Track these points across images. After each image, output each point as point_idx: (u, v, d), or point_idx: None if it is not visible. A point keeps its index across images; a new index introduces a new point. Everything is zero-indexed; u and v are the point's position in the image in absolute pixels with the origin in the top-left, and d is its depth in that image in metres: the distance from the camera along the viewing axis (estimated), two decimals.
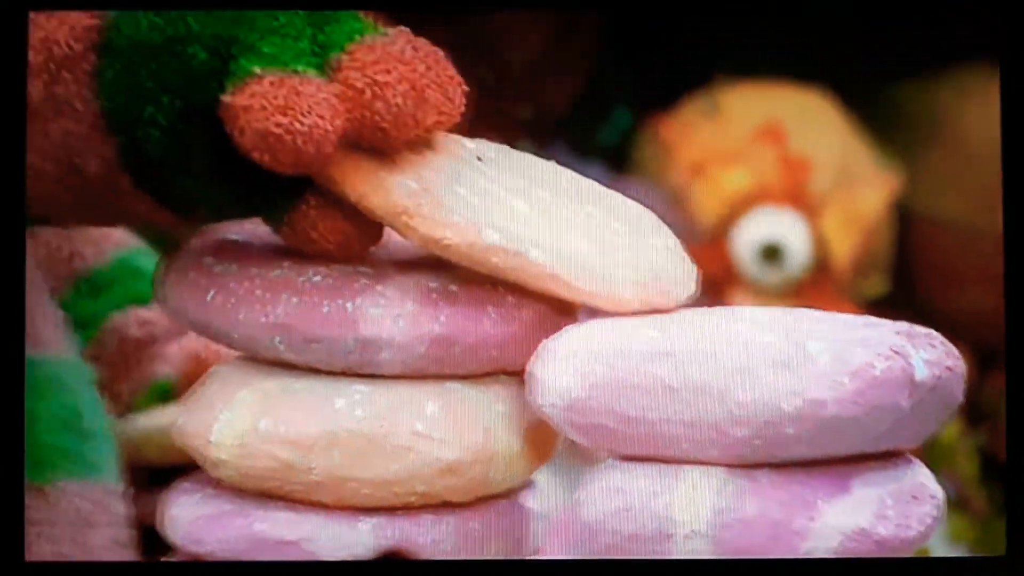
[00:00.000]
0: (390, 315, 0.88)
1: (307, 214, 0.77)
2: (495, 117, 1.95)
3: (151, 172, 0.81)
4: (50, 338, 1.01)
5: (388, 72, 0.78)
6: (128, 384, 1.10)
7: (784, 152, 2.02)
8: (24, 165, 0.91)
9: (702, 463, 0.87)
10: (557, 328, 0.89)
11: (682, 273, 0.92)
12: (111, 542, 0.97)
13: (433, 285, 0.87)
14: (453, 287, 0.88)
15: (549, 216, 0.93)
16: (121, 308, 1.13)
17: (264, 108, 0.73)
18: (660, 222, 0.93)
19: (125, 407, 1.06)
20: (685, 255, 0.94)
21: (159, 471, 1.02)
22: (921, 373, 0.89)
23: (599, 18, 2.19)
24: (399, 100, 0.79)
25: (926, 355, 0.88)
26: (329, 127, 0.74)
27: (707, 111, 2.11)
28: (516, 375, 0.88)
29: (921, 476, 0.90)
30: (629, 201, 0.95)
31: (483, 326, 0.90)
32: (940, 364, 0.90)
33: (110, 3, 0.89)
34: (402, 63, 0.79)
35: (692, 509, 0.88)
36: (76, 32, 0.78)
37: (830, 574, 0.92)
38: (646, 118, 2.12)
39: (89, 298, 1.13)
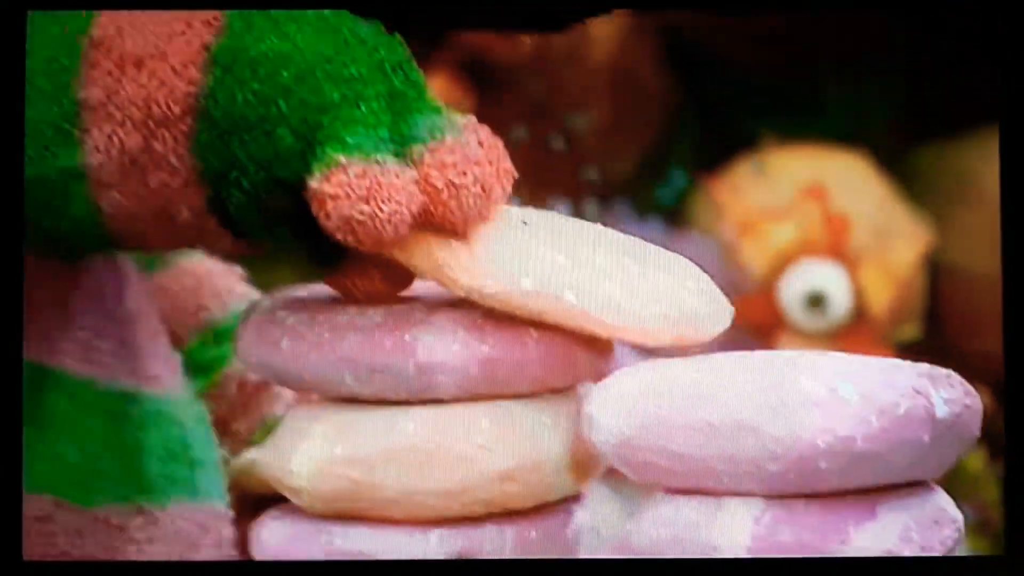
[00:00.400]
0: (443, 342, 0.99)
1: (348, 272, 0.87)
2: (565, 178, 2.07)
3: (233, 218, 0.89)
4: (165, 378, 1.10)
5: (464, 175, 0.84)
6: (245, 422, 1.19)
7: (826, 210, 2.10)
8: (23, 166, 0.96)
9: (741, 495, 0.97)
10: (594, 350, 1.02)
11: (713, 311, 1.01)
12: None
13: (480, 314, 0.97)
14: (498, 315, 0.97)
15: (585, 265, 1.01)
16: None
17: (349, 196, 0.79)
18: (696, 268, 1.03)
19: (242, 443, 1.15)
20: (720, 296, 1.02)
21: (267, 499, 1.10)
22: (941, 411, 0.98)
23: (659, 89, 2.29)
24: (471, 200, 0.85)
25: (945, 394, 0.98)
26: (406, 213, 0.80)
27: (755, 172, 2.19)
28: (559, 392, 1.00)
29: (942, 502, 1.01)
30: (666, 251, 1.04)
31: (527, 347, 1.00)
32: (959, 402, 0.99)
33: (111, 4, 0.97)
34: (476, 164, 0.85)
35: (733, 537, 0.98)
36: (175, 95, 0.83)
37: (832, 574, 1.01)
38: (700, 179, 2.21)
39: (213, 346, 1.22)
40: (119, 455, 1.05)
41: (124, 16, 0.89)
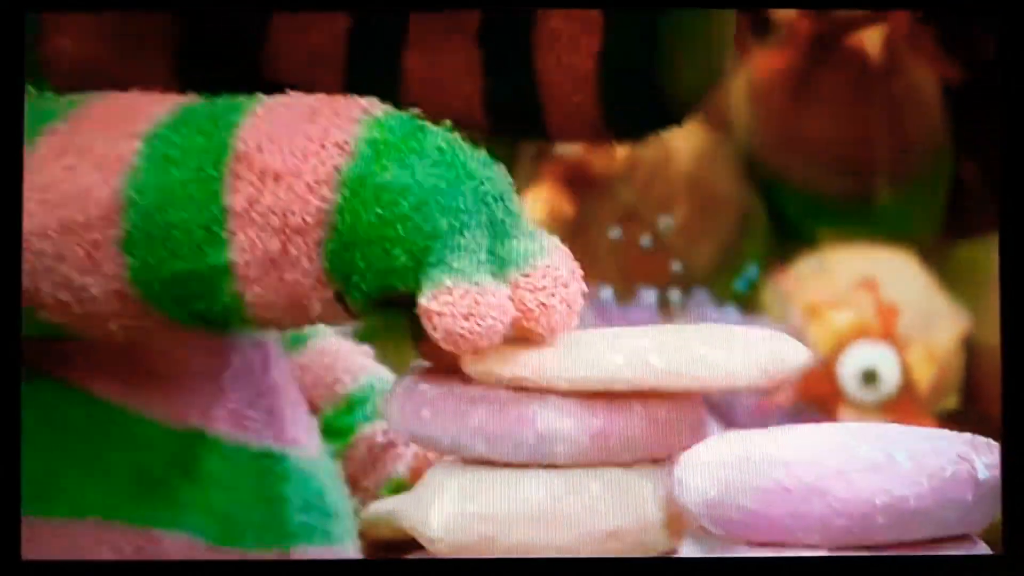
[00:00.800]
0: (559, 415, 1.03)
1: (428, 348, 0.90)
2: (653, 270, 2.27)
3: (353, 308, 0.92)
4: (305, 440, 1.17)
5: (552, 296, 0.89)
6: (373, 479, 1.25)
7: (878, 299, 2.24)
8: (21, 167, 0.98)
9: (809, 547, 1.01)
10: (690, 422, 1.05)
11: (793, 348, 1.03)
12: None
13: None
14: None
15: (666, 338, 1.05)
16: (369, 421, 1.29)
17: (452, 315, 0.84)
18: (759, 327, 1.10)
19: (371, 497, 1.22)
20: (794, 340, 1.05)
21: (391, 545, 1.19)
22: (983, 474, 1.04)
23: (734, 195, 2.49)
24: (558, 318, 0.90)
25: (986, 459, 1.03)
26: (500, 327, 0.84)
27: (817, 267, 2.37)
28: (658, 461, 1.02)
29: (980, 548, 1.04)
30: (735, 326, 1.12)
31: (631, 421, 1.03)
32: (997, 466, 1.22)
33: (112, 4, 1.07)
34: (563, 286, 0.90)
35: None
36: (309, 209, 0.87)
37: (832, 574, 1.05)
38: (770, 271, 2.38)
39: (345, 413, 1.28)
40: (264, 506, 1.12)
41: (264, 131, 0.92)
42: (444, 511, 1.10)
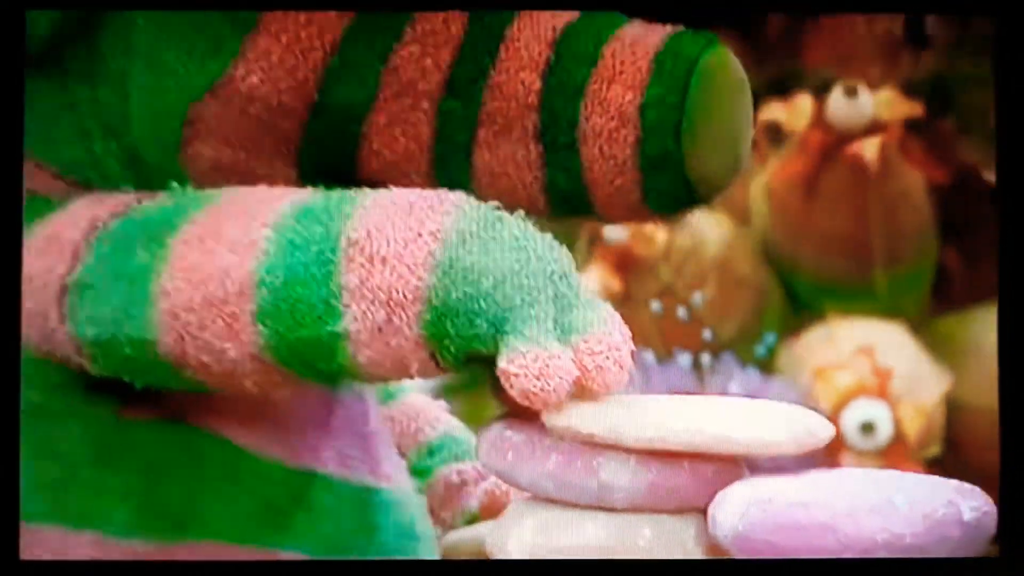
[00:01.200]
0: (621, 468, 1.08)
1: (507, 399, 0.93)
2: (687, 338, 2.41)
3: (443, 365, 0.97)
4: (397, 477, 1.26)
5: (607, 359, 0.94)
6: (449, 512, 1.36)
7: (874, 363, 2.42)
8: (21, 166, 1.03)
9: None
10: (730, 479, 1.08)
11: (821, 422, 1.08)
12: None
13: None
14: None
15: (718, 410, 1.11)
16: (446, 463, 1.40)
17: (526, 375, 0.89)
18: (780, 404, 1.11)
19: (447, 526, 1.34)
20: (821, 416, 1.09)
21: None
22: (968, 516, 0.96)
23: (755, 276, 2.63)
24: (611, 378, 0.96)
25: (971, 503, 0.92)
26: (565, 385, 0.90)
27: (824, 336, 2.54)
28: (701, 510, 1.07)
29: None
30: (774, 402, 1.12)
31: (680, 476, 1.08)
32: (980, 509, 0.94)
33: (109, 4, 1.06)
34: (616, 350, 0.95)
35: None
36: (409, 287, 0.93)
37: (832, 574, 1.06)
38: (785, 339, 2.57)
39: (427, 457, 1.40)
40: (364, 532, 1.20)
41: (371, 222, 0.97)
42: (520, 541, 1.19)
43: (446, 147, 1.14)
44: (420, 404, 1.47)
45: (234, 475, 1.17)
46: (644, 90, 1.06)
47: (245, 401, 1.14)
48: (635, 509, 1.20)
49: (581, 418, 1.11)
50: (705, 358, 2.43)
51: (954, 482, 1.17)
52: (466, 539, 1.42)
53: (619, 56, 1.08)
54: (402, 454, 1.37)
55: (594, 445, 1.15)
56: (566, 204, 1.14)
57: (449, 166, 1.14)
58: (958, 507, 1.14)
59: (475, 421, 1.54)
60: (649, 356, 2.45)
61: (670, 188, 1.08)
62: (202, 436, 1.16)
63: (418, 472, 1.38)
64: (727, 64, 1.09)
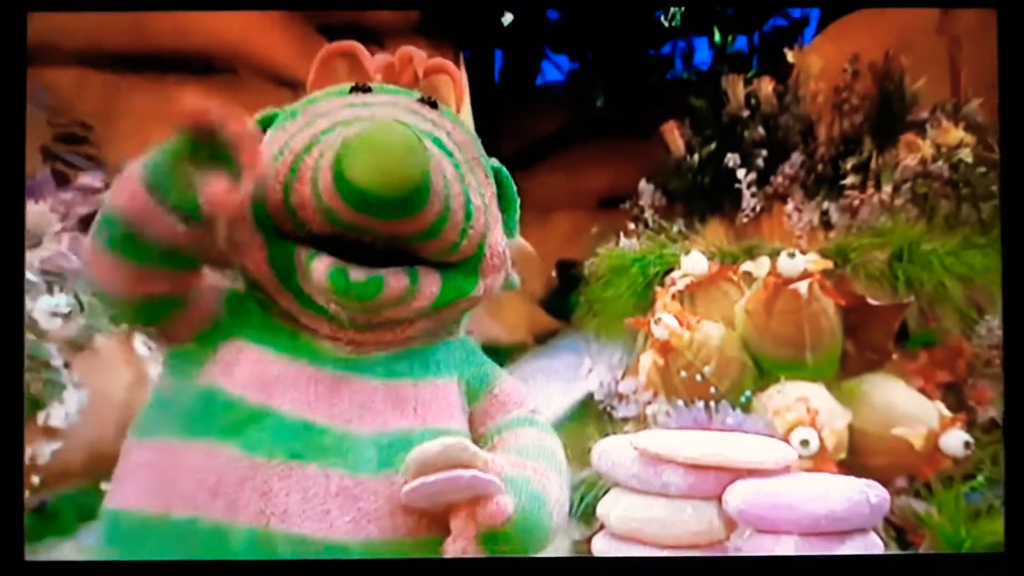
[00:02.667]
0: (674, 472, 2.08)
1: None
2: (703, 393, 2.99)
3: None
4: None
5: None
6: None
7: (808, 407, 3.05)
8: (24, 165, 0.87)
9: (792, 534, 2.01)
10: (735, 479, 2.02)
11: (786, 448, 2.13)
12: None
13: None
14: None
15: (732, 442, 2.06)
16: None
17: None
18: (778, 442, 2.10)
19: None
20: (789, 445, 2.17)
21: None
22: (873, 500, 2.03)
23: (739, 357, 3.26)
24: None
25: (875, 492, 2.03)
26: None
27: (779, 391, 3.22)
28: (719, 497, 2.03)
29: (874, 538, 2.09)
30: (766, 438, 2.15)
31: (709, 477, 2.04)
32: (880, 496, 2.03)
33: (108, 6, 2.05)
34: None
35: (784, 548, 1.98)
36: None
37: (832, 571, 1.45)
38: (756, 393, 3.24)
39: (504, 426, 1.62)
40: None
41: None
42: (617, 513, 2.14)
43: None
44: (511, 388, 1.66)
45: None
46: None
47: None
48: (682, 497, 1.98)
49: (652, 443, 1.98)
50: (712, 404, 2.96)
51: (863, 480, 1.89)
52: (599, 511, 2.03)
53: None
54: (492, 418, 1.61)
55: (659, 459, 2.00)
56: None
57: None
58: (867, 495, 1.92)
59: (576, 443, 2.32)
60: (680, 403, 3.11)
61: None
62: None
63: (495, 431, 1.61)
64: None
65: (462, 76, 1.66)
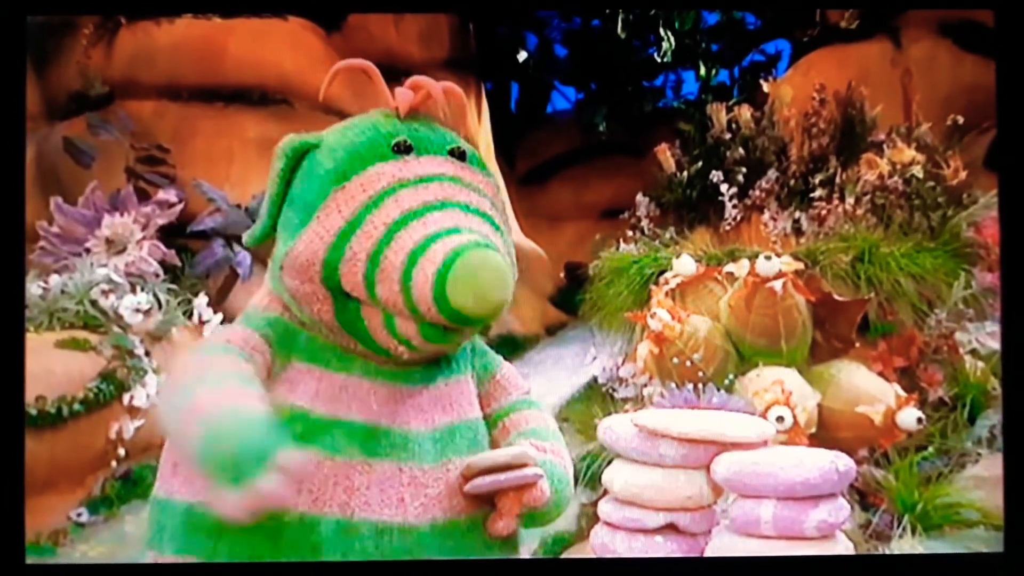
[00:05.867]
0: (670, 445, 1.81)
1: None
2: (692, 377, 2.86)
3: None
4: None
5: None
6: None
7: (783, 388, 3.10)
8: (23, 166, 0.79)
9: (769, 497, 1.78)
10: (721, 451, 1.75)
11: (766, 424, 1.86)
12: None
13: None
14: None
15: (720, 419, 1.79)
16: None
17: None
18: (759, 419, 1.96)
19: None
20: (769, 423, 1.99)
21: None
22: (841, 468, 1.79)
23: (723, 346, 3.22)
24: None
25: (842, 461, 1.78)
26: None
27: (757, 375, 3.22)
28: (707, 467, 1.76)
29: (842, 502, 1.79)
30: (749, 415, 1.99)
31: (699, 450, 1.79)
32: (847, 465, 1.78)
33: (107, 8, 2.04)
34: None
35: (764, 512, 1.77)
36: None
37: (833, 571, 1.25)
38: (738, 377, 3.25)
39: (504, 412, 1.66)
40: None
41: None
42: (619, 480, 1.89)
43: None
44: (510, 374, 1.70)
45: None
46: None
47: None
48: (676, 467, 1.79)
49: (649, 420, 1.80)
50: (700, 386, 2.48)
51: (832, 451, 1.74)
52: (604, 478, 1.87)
53: None
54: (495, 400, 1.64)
55: (656, 434, 1.80)
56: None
57: None
58: (835, 464, 1.77)
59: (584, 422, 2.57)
60: (672, 386, 2.86)
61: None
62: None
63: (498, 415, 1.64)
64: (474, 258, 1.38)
65: (464, 99, 1.66)
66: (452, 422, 1.51)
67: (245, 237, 1.58)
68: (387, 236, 1.45)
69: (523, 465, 1.42)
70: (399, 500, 1.42)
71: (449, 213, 1.45)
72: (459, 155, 1.56)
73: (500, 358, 1.70)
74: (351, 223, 1.47)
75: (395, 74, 1.65)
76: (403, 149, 1.53)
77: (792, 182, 4.30)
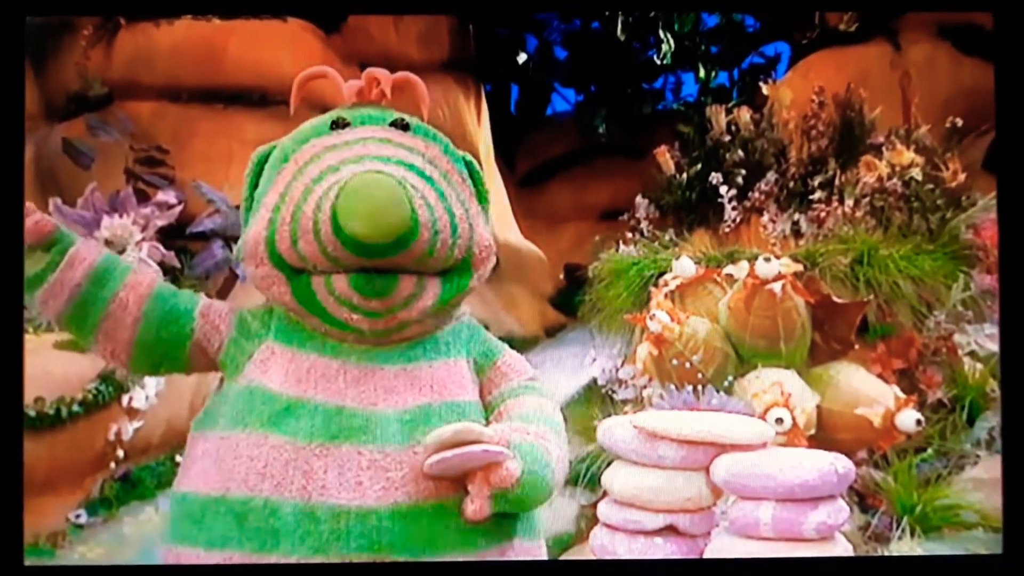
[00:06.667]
0: (670, 447, 1.81)
1: None
2: (692, 379, 2.85)
3: None
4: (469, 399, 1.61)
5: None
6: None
7: (782, 390, 3.05)
8: (22, 169, 0.78)
9: (768, 499, 1.76)
10: (720, 452, 1.77)
11: (765, 426, 1.87)
12: None
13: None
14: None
15: (720, 420, 1.77)
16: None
17: None
18: (744, 415, 1.86)
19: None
20: (768, 425, 2.06)
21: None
22: (840, 470, 1.76)
23: (722, 348, 3.21)
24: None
25: (841, 463, 1.76)
26: None
27: (756, 376, 3.20)
28: (706, 468, 1.75)
29: (842, 503, 1.78)
30: (749, 417, 1.90)
31: (698, 451, 1.78)
32: (846, 467, 1.75)
33: (106, 10, 2.08)
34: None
35: (763, 513, 1.75)
36: None
37: (832, 573, 1.25)
38: (738, 378, 3.23)
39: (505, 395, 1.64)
40: None
41: None
42: (619, 482, 1.89)
43: None
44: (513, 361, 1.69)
45: None
46: None
47: None
48: (675, 468, 1.79)
49: (648, 421, 1.80)
50: (700, 388, 2.38)
51: (831, 453, 1.72)
52: (604, 480, 1.85)
53: None
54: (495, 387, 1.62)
55: (655, 435, 1.81)
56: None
57: None
58: (835, 466, 1.74)
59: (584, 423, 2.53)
60: (672, 388, 2.87)
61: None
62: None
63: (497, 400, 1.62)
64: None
65: (422, 87, 1.65)
66: (429, 404, 1.49)
67: (233, 253, 1.60)
68: (304, 193, 1.48)
69: (474, 441, 1.39)
70: (357, 483, 1.41)
71: (366, 164, 1.46)
72: (402, 126, 1.57)
73: (504, 346, 1.68)
74: (281, 195, 1.51)
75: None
76: (340, 125, 1.57)
77: (791, 184, 4.31)
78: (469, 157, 1.67)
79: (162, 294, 1.59)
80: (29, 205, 1.33)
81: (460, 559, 1.40)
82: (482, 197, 1.66)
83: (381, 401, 1.48)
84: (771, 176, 4.36)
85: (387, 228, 1.37)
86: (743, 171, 4.41)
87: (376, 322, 1.50)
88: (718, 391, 2.51)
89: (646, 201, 4.70)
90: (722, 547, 1.87)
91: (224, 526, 1.42)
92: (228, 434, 1.48)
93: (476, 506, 1.40)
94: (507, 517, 1.48)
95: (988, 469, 3.11)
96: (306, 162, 1.54)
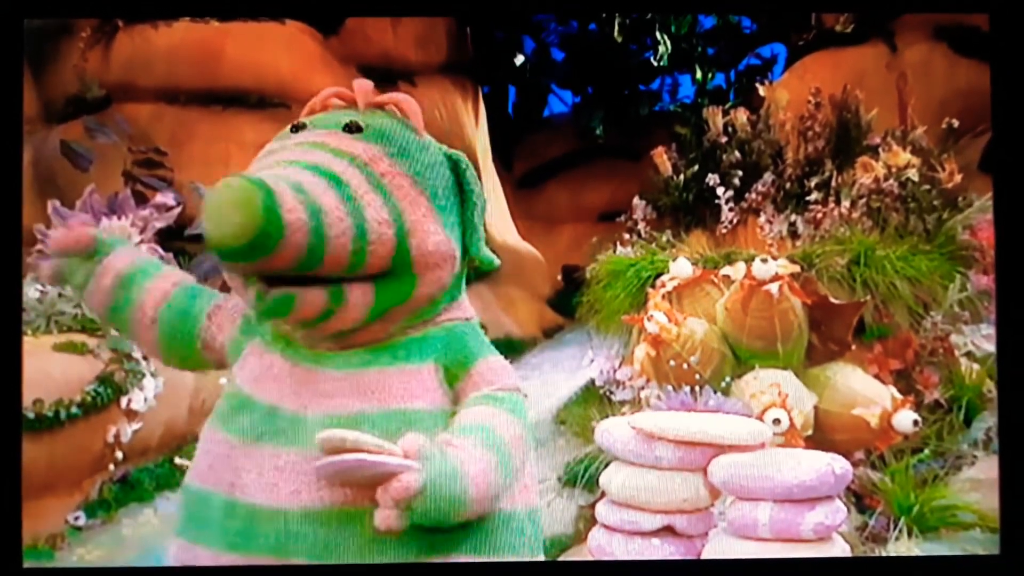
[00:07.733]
0: (666, 448, 2.00)
1: None
2: (689, 379, 2.90)
3: None
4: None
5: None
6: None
7: (780, 391, 3.01)
8: (21, 166, 0.78)
9: (766, 500, 1.92)
10: (718, 453, 1.96)
11: (762, 427, 2.09)
12: None
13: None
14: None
15: (717, 421, 1.97)
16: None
17: None
18: (754, 421, 2.02)
19: None
20: (764, 425, 2.11)
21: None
22: (838, 471, 1.98)
23: (719, 349, 3.20)
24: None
25: (839, 464, 1.98)
26: None
27: (754, 378, 3.18)
28: (704, 469, 1.94)
29: (839, 504, 1.96)
30: (746, 418, 2.07)
31: (695, 452, 1.98)
32: (844, 467, 1.97)
33: (105, 12, 2.08)
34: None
35: (760, 514, 1.91)
36: None
37: (830, 573, 1.33)
38: (735, 379, 3.22)
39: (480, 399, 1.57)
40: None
41: None
42: (616, 482, 2.04)
43: None
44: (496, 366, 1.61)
45: None
46: None
47: None
48: (673, 469, 1.94)
49: (646, 422, 1.95)
50: (697, 389, 2.75)
51: (828, 454, 1.88)
52: (602, 480, 1.96)
53: None
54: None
55: (652, 436, 1.96)
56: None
57: None
58: (832, 466, 1.89)
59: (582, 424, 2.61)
60: (669, 388, 3.05)
61: None
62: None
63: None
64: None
65: (410, 104, 1.60)
66: (364, 411, 1.45)
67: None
68: None
69: (352, 450, 1.34)
70: (272, 484, 1.42)
71: (274, 169, 1.43)
72: (354, 129, 1.52)
73: (486, 353, 1.60)
74: None
75: (392, 78, 1.70)
76: (297, 128, 1.55)
77: (788, 185, 4.32)
78: (458, 156, 1.62)
79: (178, 297, 1.65)
80: (75, 219, 1.32)
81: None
82: (469, 196, 1.60)
83: (313, 404, 1.47)
84: (768, 177, 4.38)
85: (234, 230, 1.30)
86: (740, 172, 4.43)
87: (310, 332, 1.50)
88: (715, 392, 2.66)
89: (643, 202, 4.72)
90: (720, 548, 1.92)
91: (186, 515, 1.51)
92: (211, 429, 1.56)
93: (381, 516, 1.35)
94: (444, 531, 1.42)
95: (985, 469, 3.12)
96: (259, 160, 1.56)
